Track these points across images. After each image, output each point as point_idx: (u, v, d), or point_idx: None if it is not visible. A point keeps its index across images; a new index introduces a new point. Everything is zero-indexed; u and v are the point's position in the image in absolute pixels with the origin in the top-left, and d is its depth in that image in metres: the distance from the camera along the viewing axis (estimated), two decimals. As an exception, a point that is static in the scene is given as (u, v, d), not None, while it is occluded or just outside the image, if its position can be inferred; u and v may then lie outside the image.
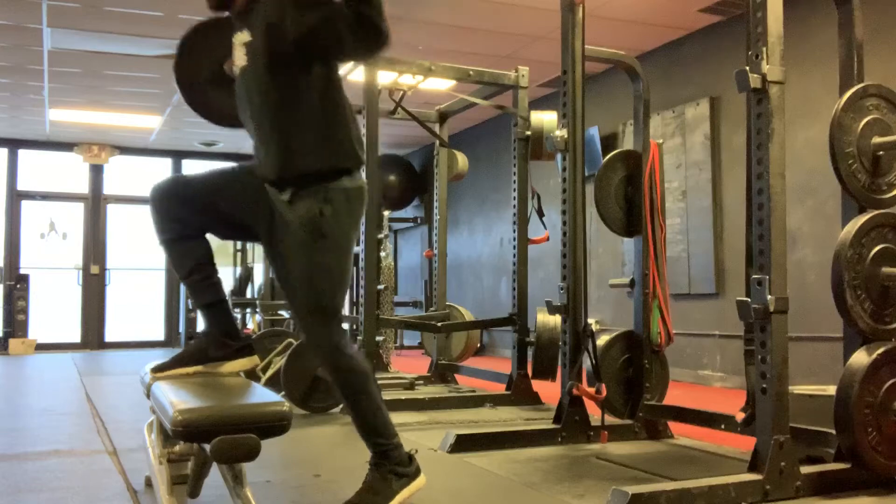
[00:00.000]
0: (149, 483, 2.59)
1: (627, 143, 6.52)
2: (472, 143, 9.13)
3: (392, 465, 2.25)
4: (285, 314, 7.21)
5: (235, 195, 2.36)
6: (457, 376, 5.72)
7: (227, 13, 2.40)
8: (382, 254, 6.57)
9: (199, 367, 2.31)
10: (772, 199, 2.53)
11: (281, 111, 2.22)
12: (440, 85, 6.87)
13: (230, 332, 2.37)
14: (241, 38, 2.29)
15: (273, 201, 2.27)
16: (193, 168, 10.94)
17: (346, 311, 8.00)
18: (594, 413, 3.53)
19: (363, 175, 2.35)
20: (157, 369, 2.30)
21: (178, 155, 10.85)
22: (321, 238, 2.21)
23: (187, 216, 2.33)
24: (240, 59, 2.29)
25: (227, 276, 10.07)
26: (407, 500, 2.26)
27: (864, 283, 2.68)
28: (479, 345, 8.34)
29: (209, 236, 2.42)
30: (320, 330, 2.26)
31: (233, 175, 2.42)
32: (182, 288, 10.35)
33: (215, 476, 2.09)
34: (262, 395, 1.99)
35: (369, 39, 2.09)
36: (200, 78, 2.59)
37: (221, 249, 10.98)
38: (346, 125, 2.28)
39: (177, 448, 2.23)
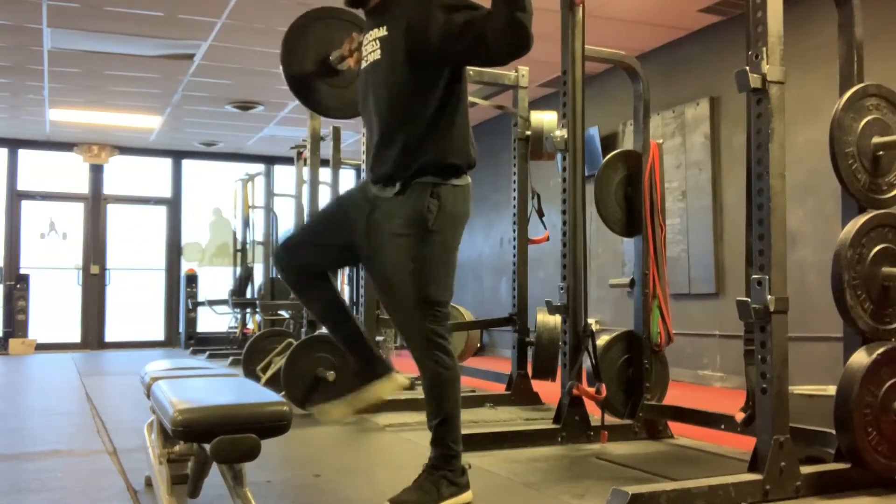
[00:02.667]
0: (149, 483, 2.59)
1: (627, 143, 6.52)
2: (472, 143, 9.12)
3: (447, 470, 2.29)
4: (285, 314, 7.21)
5: (346, 218, 2.46)
6: (457, 376, 5.71)
7: (355, 8, 2.49)
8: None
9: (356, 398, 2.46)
10: (772, 199, 2.53)
11: (409, 106, 2.28)
12: (440, 85, 6.86)
13: (372, 360, 2.52)
14: (376, 33, 2.34)
15: (373, 198, 2.34)
16: (194, 168, 10.95)
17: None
18: (594, 413, 3.53)
19: (469, 176, 2.41)
20: (322, 412, 2.53)
21: (178, 155, 10.85)
22: (427, 233, 2.25)
23: (310, 265, 2.48)
24: (372, 52, 2.35)
25: (227, 277, 10.08)
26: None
27: (864, 283, 2.68)
28: (479, 345, 8.34)
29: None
30: (422, 323, 2.28)
31: (339, 202, 2.62)
32: (182, 288, 10.37)
33: (215, 476, 2.09)
34: (262, 395, 1.99)
35: (516, 44, 2.11)
36: (307, 70, 2.69)
37: (222, 249, 10.99)
38: (464, 125, 2.37)
39: (177, 448, 2.23)
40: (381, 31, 2.33)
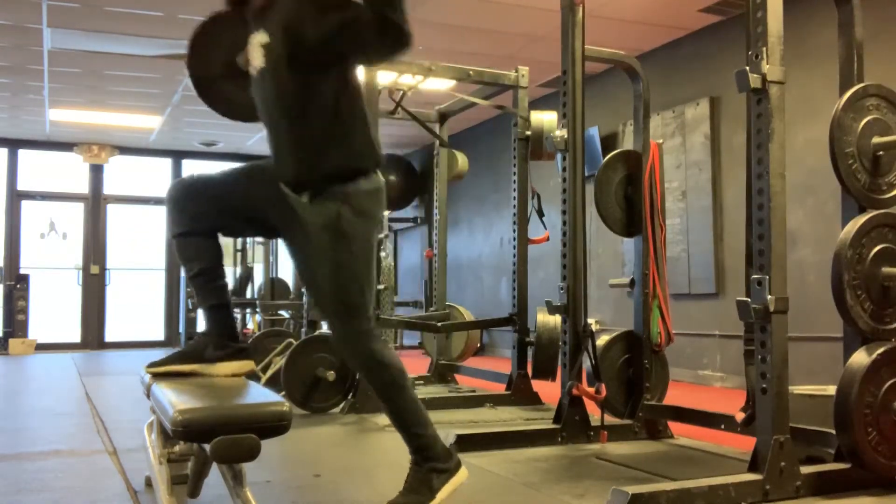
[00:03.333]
0: (149, 483, 2.59)
1: (627, 143, 6.51)
2: (472, 143, 9.13)
3: (431, 461, 2.24)
4: (285, 314, 7.21)
5: (253, 191, 2.36)
6: (457, 376, 5.72)
7: (241, 10, 2.41)
8: (382, 254, 6.57)
9: (194, 366, 2.32)
10: (772, 199, 2.53)
11: (298, 114, 2.23)
12: (440, 85, 6.87)
13: (229, 335, 2.39)
14: (259, 38, 2.28)
15: (292, 202, 2.27)
16: (194, 168, 10.94)
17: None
18: (594, 413, 3.53)
19: (380, 176, 2.35)
20: (153, 365, 2.32)
21: (178, 155, 10.85)
22: (342, 238, 2.22)
23: (203, 212, 2.35)
24: (257, 59, 2.29)
25: (227, 277, 10.07)
26: (451, 495, 2.24)
27: (864, 283, 2.68)
28: (479, 345, 8.34)
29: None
30: (347, 328, 2.27)
31: (250, 172, 2.43)
32: (182, 288, 10.37)
33: (215, 476, 2.09)
34: (262, 395, 1.99)
35: (392, 42, 2.09)
36: (213, 72, 2.59)
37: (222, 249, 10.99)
38: (363, 126, 2.29)
39: (177, 448, 2.23)
40: (263, 37, 2.26)
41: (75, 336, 10.43)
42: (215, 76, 2.59)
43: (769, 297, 2.48)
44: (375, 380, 2.28)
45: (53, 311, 10.32)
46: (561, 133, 3.56)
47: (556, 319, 4.22)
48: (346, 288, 2.25)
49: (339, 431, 3.92)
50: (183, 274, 10.37)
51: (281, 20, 2.21)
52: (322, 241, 2.23)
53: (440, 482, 2.24)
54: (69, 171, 10.48)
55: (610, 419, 3.57)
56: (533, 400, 4.73)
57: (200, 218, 2.35)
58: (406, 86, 5.01)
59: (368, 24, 2.07)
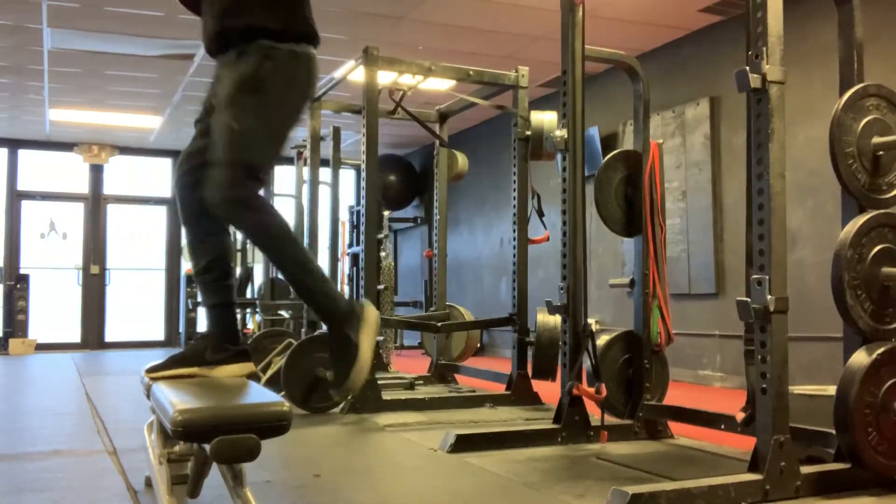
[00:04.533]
0: (149, 483, 2.59)
1: (627, 143, 6.52)
2: (472, 143, 9.13)
3: (341, 318, 2.14)
4: (285, 314, 7.21)
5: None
6: (457, 376, 5.72)
7: None
8: (382, 254, 6.58)
9: (194, 369, 2.29)
10: (772, 199, 2.53)
11: None
12: (440, 85, 6.87)
13: (230, 336, 2.35)
14: None
15: (218, 66, 2.22)
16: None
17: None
18: (594, 413, 3.53)
19: (313, 49, 2.25)
20: (153, 369, 2.29)
21: (178, 155, 10.67)
22: (255, 92, 2.12)
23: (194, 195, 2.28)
24: None
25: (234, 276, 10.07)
26: (373, 338, 2.15)
27: (864, 283, 2.68)
28: (479, 345, 8.34)
29: None
30: (229, 184, 2.10)
31: (203, 111, 2.37)
32: (182, 288, 10.37)
33: (215, 476, 2.09)
34: (262, 395, 1.99)
35: None
36: None
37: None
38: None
39: (177, 448, 2.23)
40: None
41: (75, 336, 10.44)
42: None
43: (769, 297, 2.48)
44: (259, 234, 2.16)
45: (53, 311, 10.32)
46: (561, 133, 3.56)
47: (556, 319, 4.23)
48: (241, 141, 2.11)
49: (339, 431, 3.92)
50: (183, 274, 10.44)
51: None
52: (234, 90, 2.13)
53: (355, 333, 2.13)
54: (69, 171, 10.48)
55: (610, 419, 3.57)
56: (533, 400, 4.73)
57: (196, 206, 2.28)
58: (406, 86, 5.02)
59: None
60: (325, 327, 2.18)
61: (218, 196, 2.12)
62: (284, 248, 2.16)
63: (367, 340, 2.13)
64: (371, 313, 2.18)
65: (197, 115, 2.43)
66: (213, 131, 2.20)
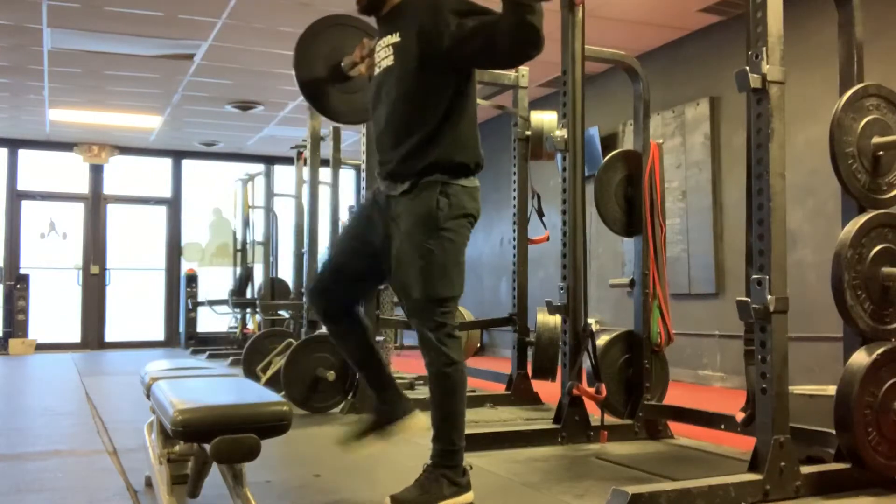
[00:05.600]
0: (149, 483, 2.59)
1: (627, 143, 6.52)
2: (472, 143, 9.12)
3: (448, 468, 2.31)
4: (285, 314, 7.21)
5: (358, 244, 2.52)
6: (457, 376, 5.71)
7: (367, 16, 2.54)
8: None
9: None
10: (772, 199, 2.53)
11: (421, 110, 2.32)
12: (440, 85, 6.86)
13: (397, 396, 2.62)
14: (389, 39, 2.40)
15: (385, 199, 2.38)
16: (194, 168, 10.95)
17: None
18: (594, 413, 3.53)
19: (477, 179, 2.44)
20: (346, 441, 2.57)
21: (178, 155, 10.84)
22: (437, 229, 2.29)
23: (340, 299, 2.53)
24: (385, 58, 2.41)
25: (227, 277, 10.07)
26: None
27: (864, 283, 2.68)
28: (479, 345, 8.34)
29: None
30: (431, 320, 2.31)
31: (353, 227, 2.61)
32: (182, 288, 10.38)
33: (215, 476, 2.09)
34: (262, 395, 1.99)
35: (527, 46, 2.15)
36: (318, 75, 2.77)
37: (222, 249, 10.99)
38: (472, 125, 2.40)
39: (177, 448, 2.23)
40: (394, 38, 2.39)
41: (75, 336, 10.43)
42: (320, 79, 2.78)
43: (769, 297, 2.48)
44: (442, 380, 2.35)
45: (53, 311, 10.31)
46: (561, 133, 3.56)
47: (556, 319, 4.22)
48: (436, 281, 2.29)
49: (339, 431, 3.90)
50: (183, 274, 10.44)
51: (416, 22, 2.31)
52: (416, 230, 2.29)
53: (451, 492, 2.29)
54: (69, 171, 10.48)
55: (610, 419, 3.57)
56: (533, 400, 4.73)
57: (347, 305, 2.55)
58: (406, 86, 5.01)
59: (504, 31, 2.13)
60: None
61: (426, 332, 2.34)
62: (455, 392, 2.41)
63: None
64: (470, 497, 2.38)
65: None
66: (400, 267, 2.38)
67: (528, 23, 2.08)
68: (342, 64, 2.74)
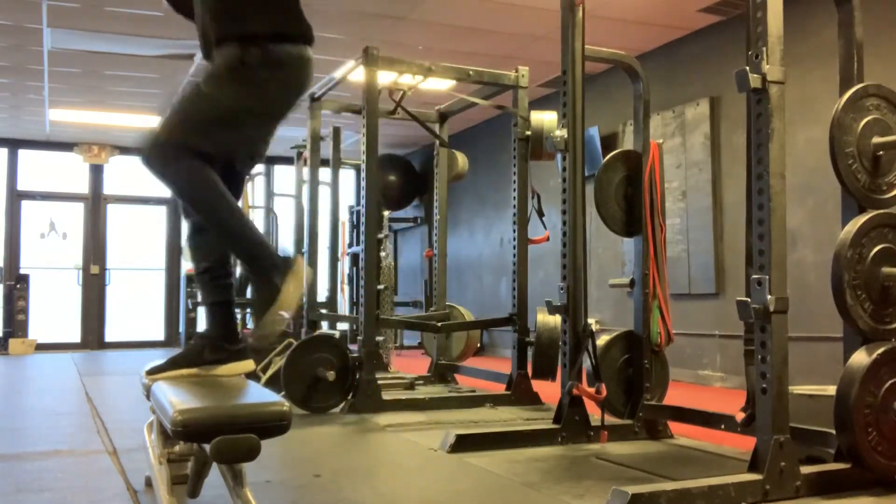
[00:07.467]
0: (149, 483, 2.59)
1: (627, 143, 6.52)
2: (472, 143, 9.13)
3: (266, 264, 2.15)
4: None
5: None
6: (457, 376, 5.72)
7: None
8: (382, 254, 6.57)
9: (193, 370, 2.28)
10: (772, 199, 2.53)
11: None
12: (440, 85, 6.87)
13: (229, 335, 2.34)
14: None
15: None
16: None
17: (345, 310, 7.93)
18: (594, 413, 3.53)
19: (309, 49, 2.21)
20: (153, 371, 2.29)
21: (177, 155, 10.82)
22: (222, 76, 2.11)
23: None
24: None
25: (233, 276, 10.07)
26: (298, 289, 2.16)
27: (864, 283, 2.68)
28: (479, 345, 8.33)
29: None
30: (163, 140, 2.10)
31: None
32: (182, 288, 10.37)
33: (215, 476, 2.09)
34: (262, 395, 1.99)
35: None
36: None
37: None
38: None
39: (177, 448, 2.23)
40: None
41: (75, 336, 10.43)
42: None
43: (769, 297, 2.48)
44: (187, 198, 2.18)
45: (53, 311, 10.32)
46: (561, 133, 3.56)
47: (556, 319, 4.23)
48: (191, 107, 2.12)
49: (339, 431, 3.92)
50: (183, 274, 10.43)
51: None
52: (197, 79, 2.12)
53: (280, 279, 2.14)
54: (69, 171, 10.48)
55: (610, 419, 3.57)
56: (533, 400, 4.73)
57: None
58: (406, 86, 5.02)
59: None
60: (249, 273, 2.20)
61: (151, 152, 2.11)
62: (214, 201, 2.13)
63: (290, 286, 2.14)
64: (299, 264, 2.18)
65: None
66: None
67: None
68: None
